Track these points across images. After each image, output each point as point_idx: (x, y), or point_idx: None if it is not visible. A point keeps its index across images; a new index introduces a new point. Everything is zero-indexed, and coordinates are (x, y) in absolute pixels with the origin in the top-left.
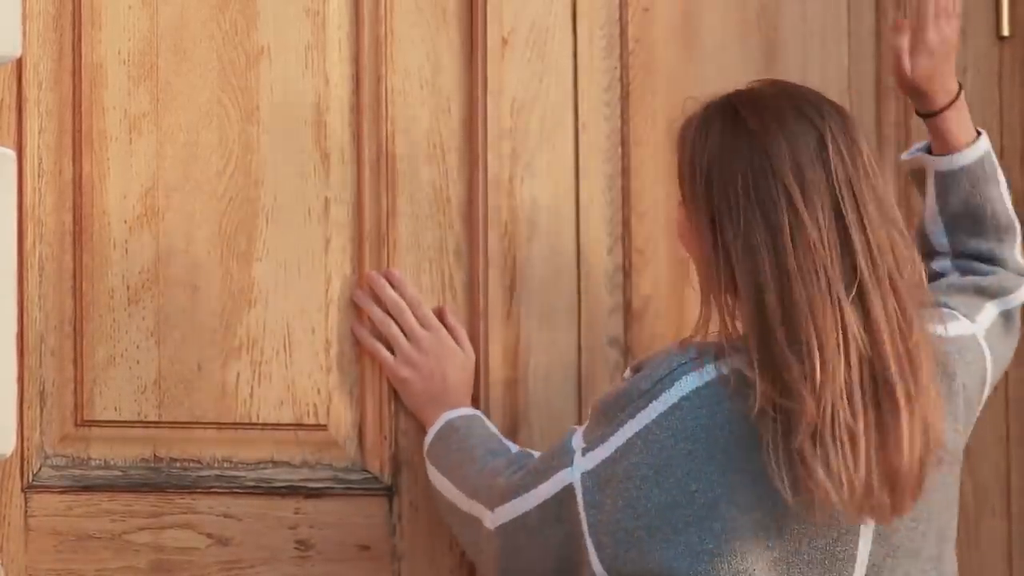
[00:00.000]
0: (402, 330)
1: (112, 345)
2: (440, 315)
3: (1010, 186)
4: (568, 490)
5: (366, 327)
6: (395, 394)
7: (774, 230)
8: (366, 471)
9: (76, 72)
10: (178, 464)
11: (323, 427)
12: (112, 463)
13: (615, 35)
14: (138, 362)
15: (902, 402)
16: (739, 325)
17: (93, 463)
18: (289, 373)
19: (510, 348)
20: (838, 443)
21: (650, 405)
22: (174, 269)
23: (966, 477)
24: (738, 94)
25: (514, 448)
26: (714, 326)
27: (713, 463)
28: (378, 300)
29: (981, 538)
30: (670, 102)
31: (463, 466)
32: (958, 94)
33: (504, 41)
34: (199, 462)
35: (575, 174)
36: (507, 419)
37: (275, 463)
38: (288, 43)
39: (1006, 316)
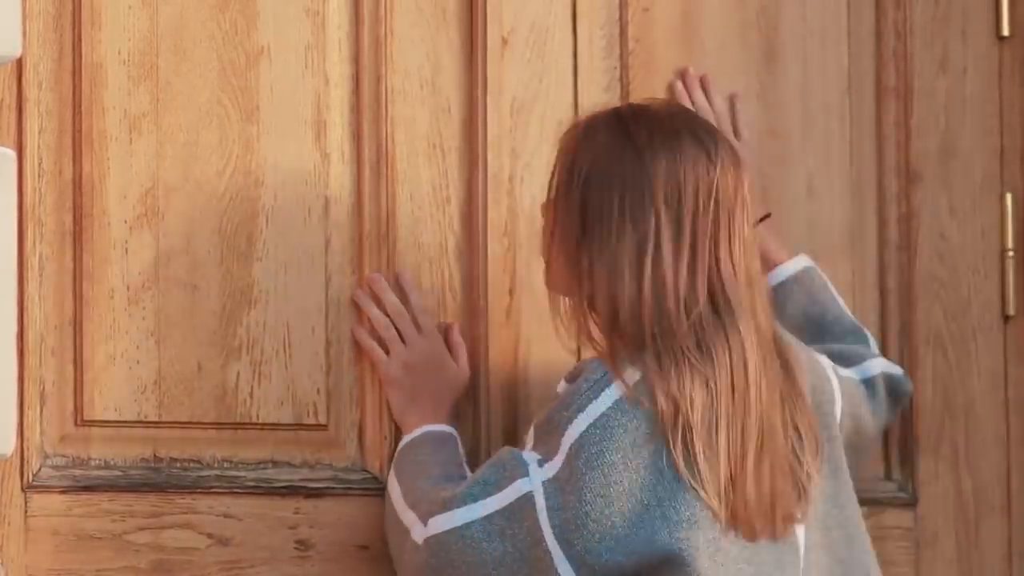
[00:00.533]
0: (400, 334)
1: (112, 345)
2: (447, 330)
3: (1011, 187)
4: (527, 498)
5: (366, 327)
6: None
7: (639, 248)
8: (366, 471)
9: (76, 72)
10: (178, 464)
11: (323, 427)
12: (112, 463)
13: (615, 35)
14: (138, 362)
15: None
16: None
17: (93, 463)
18: (289, 373)
19: (510, 348)
20: (701, 465)
21: (598, 397)
22: (174, 269)
23: (966, 476)
24: (630, 107)
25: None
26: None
27: (674, 443)
28: (378, 301)
29: (981, 538)
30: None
31: (416, 478)
32: (763, 216)
33: (504, 41)
34: (199, 462)
35: None
36: (507, 419)
37: (275, 463)
38: (288, 43)
39: (865, 383)
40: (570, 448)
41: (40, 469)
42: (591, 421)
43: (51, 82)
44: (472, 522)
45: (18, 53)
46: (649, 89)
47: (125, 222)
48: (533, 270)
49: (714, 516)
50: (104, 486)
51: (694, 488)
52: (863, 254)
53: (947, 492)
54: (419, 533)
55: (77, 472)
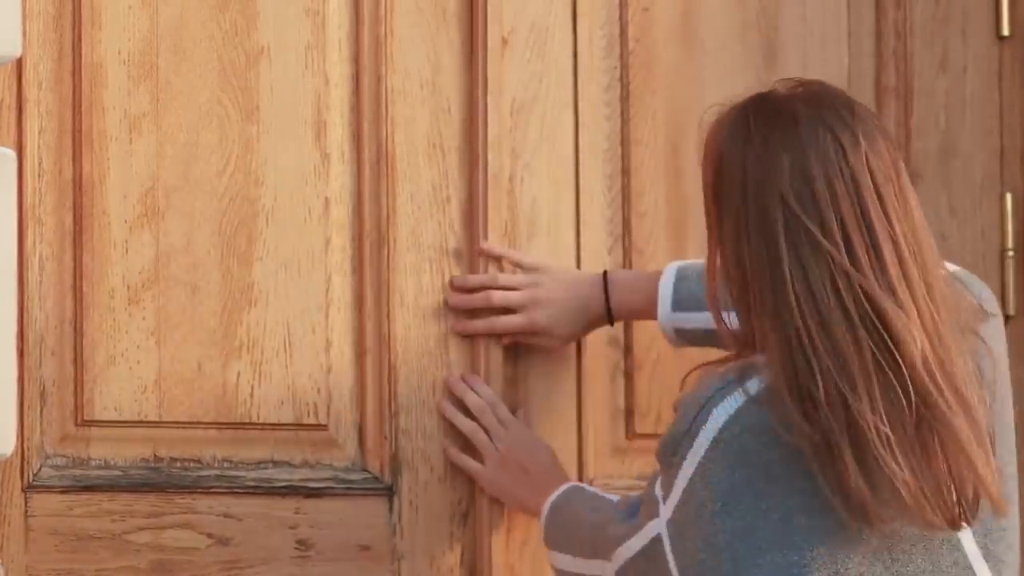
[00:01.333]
0: (486, 432)
1: (112, 345)
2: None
3: (1011, 187)
4: (657, 541)
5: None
6: (395, 394)
7: (775, 248)
8: (366, 471)
9: (76, 72)
10: (178, 464)
11: (323, 427)
12: (112, 463)
13: (615, 35)
14: (138, 362)
15: (943, 415)
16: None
17: (93, 463)
18: (289, 373)
19: (510, 348)
20: (881, 461)
21: (695, 443)
22: (174, 269)
23: None
24: (754, 99)
25: (615, 498)
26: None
27: (775, 482)
28: (460, 404)
29: None
30: (670, 102)
31: (576, 533)
32: (605, 277)
33: (504, 41)
34: (199, 462)
35: (575, 174)
36: None
37: (275, 463)
38: (288, 43)
39: None
40: (683, 492)
41: (40, 469)
42: (693, 470)
43: (51, 82)
44: (632, 558)
45: (18, 53)
46: (649, 89)
47: (125, 222)
48: None
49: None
50: (104, 486)
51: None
52: None
53: None
54: (609, 570)
55: (77, 472)
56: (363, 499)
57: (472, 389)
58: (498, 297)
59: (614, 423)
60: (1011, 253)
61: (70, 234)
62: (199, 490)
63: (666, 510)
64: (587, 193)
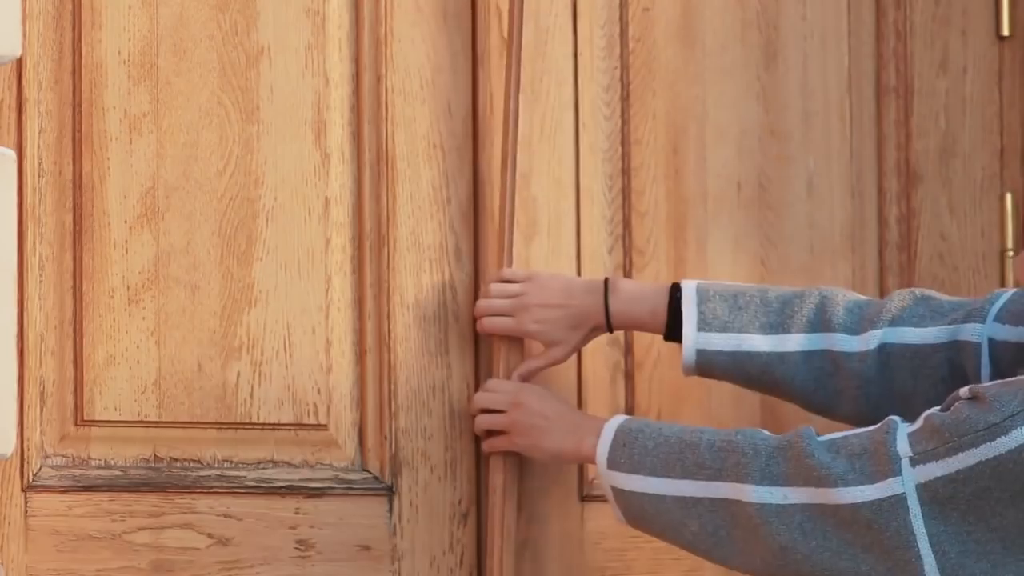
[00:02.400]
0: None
1: (112, 345)
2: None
3: (1011, 187)
4: (899, 499)
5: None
6: (395, 394)
7: None
8: (366, 471)
9: (76, 72)
10: (178, 464)
11: (323, 427)
12: (112, 463)
13: (615, 35)
14: (138, 362)
15: None
16: None
17: (93, 463)
18: (289, 373)
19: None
20: None
21: (998, 439)
22: (174, 269)
23: None
24: None
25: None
26: None
27: None
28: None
29: None
30: (670, 102)
31: (683, 455)
32: (606, 284)
33: (504, 41)
34: (199, 462)
35: (575, 174)
36: None
37: (275, 463)
38: (288, 43)
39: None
40: (957, 472)
41: (40, 469)
42: (981, 459)
43: (51, 82)
44: (843, 505)
45: (18, 53)
46: (649, 89)
47: (125, 222)
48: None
49: None
50: (104, 486)
51: None
52: (863, 254)
53: None
54: (769, 495)
55: (77, 472)
56: (363, 499)
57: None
58: (483, 305)
59: None
60: (1011, 253)
61: (70, 234)
62: (199, 490)
63: (917, 473)
64: (587, 193)
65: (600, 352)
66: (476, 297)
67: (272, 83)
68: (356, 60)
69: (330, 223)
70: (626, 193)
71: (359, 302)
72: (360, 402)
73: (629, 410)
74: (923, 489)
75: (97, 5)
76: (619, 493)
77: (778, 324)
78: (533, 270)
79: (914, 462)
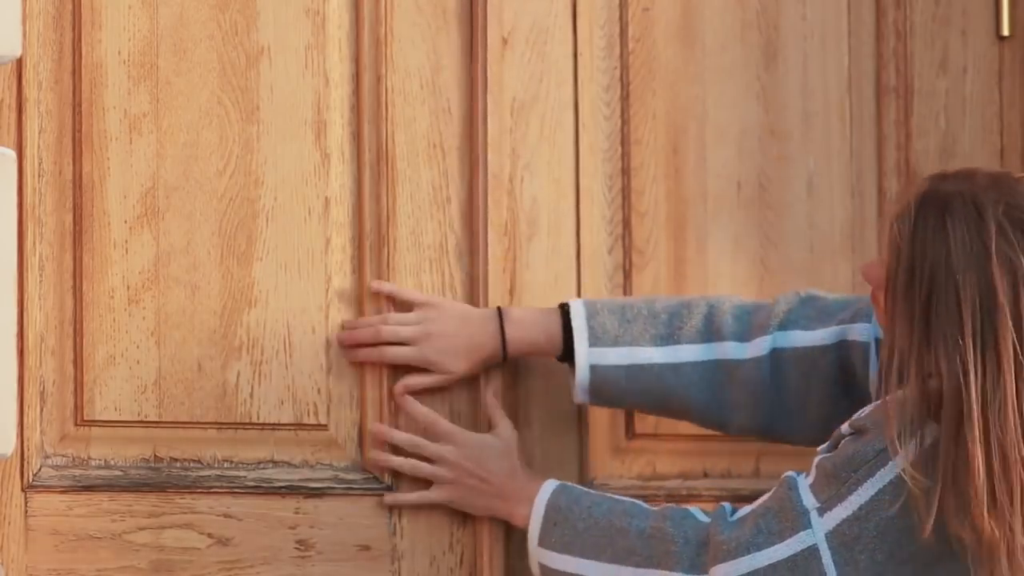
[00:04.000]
0: (426, 459)
1: (112, 345)
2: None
3: None
4: (812, 551)
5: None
6: (395, 394)
7: (997, 362)
8: (366, 471)
9: (76, 72)
10: (178, 464)
11: (323, 427)
12: (112, 463)
13: (615, 35)
14: (138, 362)
15: None
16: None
17: (93, 463)
18: (289, 373)
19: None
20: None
21: (889, 463)
22: (174, 269)
23: None
24: (959, 195)
25: (635, 502)
26: None
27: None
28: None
29: None
30: (670, 102)
31: (613, 541)
32: (500, 313)
33: (504, 41)
34: (199, 462)
35: (575, 174)
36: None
37: (275, 463)
38: (288, 43)
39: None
40: (859, 508)
41: (40, 469)
42: (880, 487)
43: (51, 82)
44: (755, 570)
45: (18, 53)
46: (649, 89)
47: (125, 222)
48: (533, 270)
49: None
50: (104, 486)
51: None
52: (863, 254)
53: None
54: None
55: (77, 472)
56: (363, 499)
57: (407, 412)
58: (387, 331)
59: (614, 423)
60: None
61: (70, 234)
62: (199, 490)
63: (825, 522)
64: (587, 193)
65: None
66: (476, 297)
67: (272, 83)
68: (356, 60)
69: (330, 223)
70: (626, 193)
71: (359, 302)
72: (360, 402)
73: (629, 411)
74: (832, 536)
75: (97, 5)
76: (547, 570)
77: (668, 335)
78: (428, 297)
79: (821, 511)
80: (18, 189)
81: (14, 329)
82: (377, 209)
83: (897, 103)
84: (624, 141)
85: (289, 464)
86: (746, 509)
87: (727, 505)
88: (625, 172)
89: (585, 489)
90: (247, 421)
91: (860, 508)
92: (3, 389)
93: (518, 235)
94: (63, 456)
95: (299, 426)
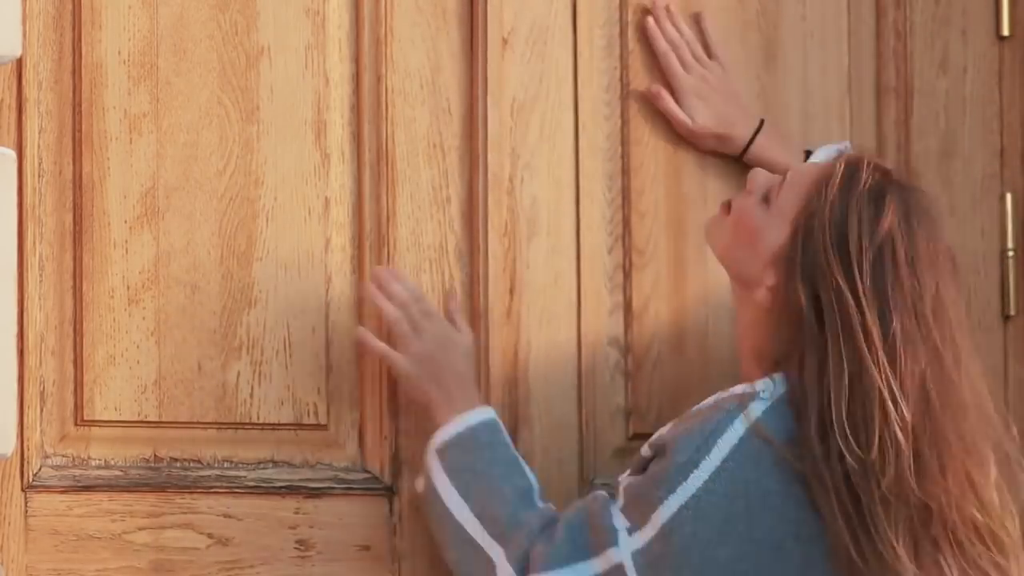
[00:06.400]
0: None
1: (112, 345)
2: (447, 301)
3: (1011, 187)
4: (619, 569)
5: (370, 325)
6: (395, 394)
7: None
8: (366, 471)
9: (76, 72)
10: (178, 464)
11: (323, 427)
12: (112, 463)
13: (615, 35)
14: (138, 362)
15: None
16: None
17: (93, 463)
18: (289, 373)
19: (510, 348)
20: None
21: (691, 475)
22: (174, 269)
23: None
24: (913, 194)
25: (536, 485)
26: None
27: (770, 511)
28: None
29: None
30: None
31: (491, 501)
32: (760, 125)
33: (504, 41)
34: (199, 462)
35: (575, 174)
36: (507, 419)
37: (275, 463)
38: (288, 43)
39: None
40: (662, 527)
41: (40, 469)
42: (682, 503)
43: (51, 82)
44: None
45: (18, 53)
46: None
47: (125, 222)
48: (533, 270)
49: None
50: (104, 486)
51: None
52: None
53: None
54: None
55: (77, 472)
56: (363, 499)
57: (397, 282)
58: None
59: (614, 423)
60: (1011, 253)
61: (70, 234)
62: (199, 490)
63: (633, 541)
64: (587, 193)
65: (600, 352)
66: (476, 297)
67: (272, 83)
68: (356, 60)
69: (330, 223)
70: (626, 193)
71: (359, 302)
72: (360, 402)
73: (629, 410)
74: (638, 555)
75: (97, 5)
76: (427, 476)
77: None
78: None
79: (631, 531)
80: (18, 189)
81: (14, 329)
82: (377, 209)
83: (897, 103)
84: (624, 141)
85: (289, 464)
86: (567, 512)
87: (600, 494)
88: (625, 172)
89: (508, 442)
90: (247, 421)
91: (663, 525)
92: (3, 389)
93: (518, 235)
94: (63, 456)
95: (299, 426)
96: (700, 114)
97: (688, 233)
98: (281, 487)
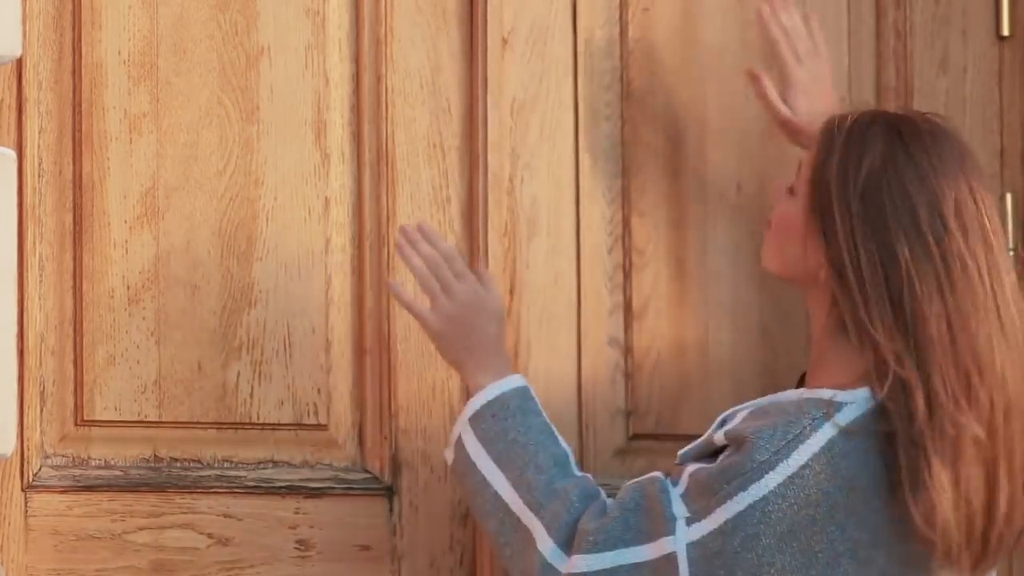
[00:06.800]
0: (439, 282)
1: (112, 345)
2: (472, 265)
3: (1011, 187)
4: (670, 559)
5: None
6: (395, 394)
7: (946, 267)
8: (366, 471)
9: (76, 72)
10: (178, 464)
11: (323, 427)
12: (112, 463)
13: (615, 35)
14: (138, 362)
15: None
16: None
17: (93, 463)
18: (289, 373)
19: (510, 348)
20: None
21: (766, 476)
22: (174, 269)
23: None
24: (903, 120)
25: (571, 455)
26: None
27: (834, 524)
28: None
29: None
30: (670, 102)
31: (526, 469)
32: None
33: (504, 41)
34: (199, 462)
35: (575, 174)
36: None
37: (275, 463)
38: (288, 43)
39: None
40: (725, 522)
41: (40, 469)
42: (751, 502)
43: (51, 82)
44: (620, 566)
45: (18, 53)
46: (649, 89)
47: (125, 222)
48: (533, 270)
49: None
50: (104, 486)
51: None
52: None
53: None
54: (557, 559)
55: (77, 472)
56: (363, 499)
57: (430, 241)
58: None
59: (614, 423)
60: (1011, 253)
61: (70, 234)
62: (199, 490)
63: (690, 532)
64: (587, 193)
65: (600, 352)
66: None
67: (272, 83)
68: (356, 60)
69: (330, 223)
70: (626, 193)
71: (359, 302)
72: (360, 402)
73: (629, 411)
74: (693, 548)
75: (97, 5)
76: (459, 446)
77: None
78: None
79: (690, 521)
80: (18, 189)
81: (14, 329)
82: (377, 209)
83: (897, 103)
84: (624, 141)
85: (289, 464)
86: (621, 494)
87: (658, 476)
88: (625, 172)
89: (540, 409)
90: (247, 421)
91: (726, 522)
92: (3, 389)
93: (518, 235)
94: (63, 456)
95: (299, 426)
96: (803, 110)
97: (688, 233)
98: (281, 487)
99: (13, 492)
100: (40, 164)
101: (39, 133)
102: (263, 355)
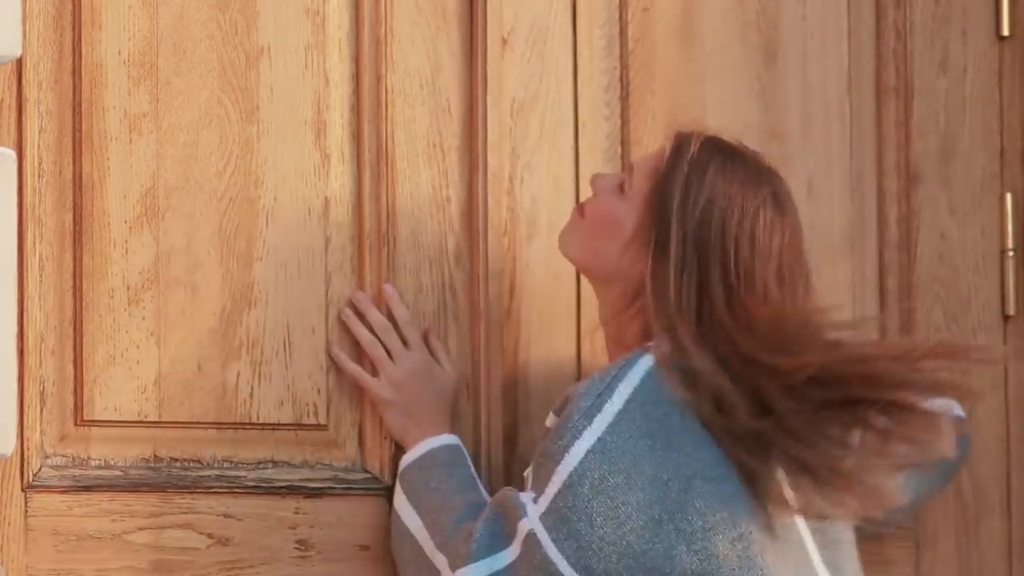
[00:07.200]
0: (386, 350)
1: (112, 345)
2: (424, 336)
3: (1011, 187)
4: (531, 539)
5: (347, 350)
6: None
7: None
8: (366, 471)
9: (76, 72)
10: (178, 464)
11: (323, 427)
12: (112, 463)
13: (615, 35)
14: (138, 362)
15: None
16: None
17: (93, 463)
18: (289, 373)
19: (510, 348)
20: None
21: (595, 419)
22: (174, 269)
23: (966, 476)
24: (715, 140)
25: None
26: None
27: (674, 449)
28: (364, 320)
29: (981, 538)
30: (670, 102)
31: (440, 513)
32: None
33: (504, 41)
34: (199, 462)
35: (575, 174)
36: (507, 419)
37: (275, 463)
38: (288, 43)
39: None
40: (569, 476)
41: (40, 469)
42: (589, 446)
43: (51, 82)
44: (496, 571)
45: (18, 53)
46: (649, 89)
47: (125, 222)
48: (533, 270)
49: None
50: (104, 486)
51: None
52: (863, 254)
53: (946, 492)
54: None
55: (77, 472)
56: (363, 499)
57: (389, 306)
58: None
59: None
60: (1011, 253)
61: (70, 234)
62: (199, 490)
63: (539, 506)
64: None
65: (600, 352)
66: (475, 297)
67: (272, 83)
68: (356, 60)
69: (330, 223)
70: None
71: None
72: (360, 402)
73: None
74: (546, 516)
75: (97, 5)
76: (393, 500)
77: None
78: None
79: (536, 499)
80: (18, 189)
81: (14, 329)
82: (377, 209)
83: (897, 103)
84: (624, 141)
85: (289, 464)
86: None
87: (507, 488)
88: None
89: (469, 463)
90: (247, 421)
91: (570, 475)
92: (3, 389)
93: (518, 235)
94: (63, 456)
95: (299, 426)
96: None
97: None
98: (281, 487)
99: (13, 492)
100: (40, 164)
101: (39, 133)
102: (263, 355)
